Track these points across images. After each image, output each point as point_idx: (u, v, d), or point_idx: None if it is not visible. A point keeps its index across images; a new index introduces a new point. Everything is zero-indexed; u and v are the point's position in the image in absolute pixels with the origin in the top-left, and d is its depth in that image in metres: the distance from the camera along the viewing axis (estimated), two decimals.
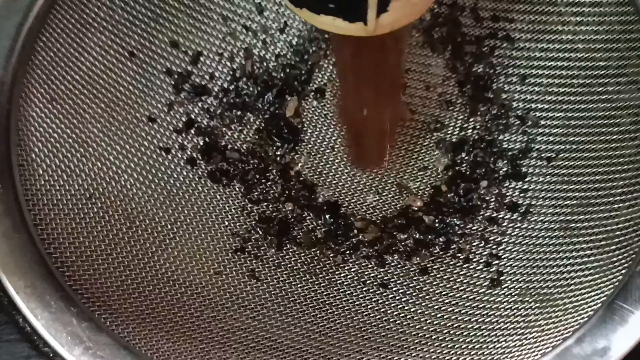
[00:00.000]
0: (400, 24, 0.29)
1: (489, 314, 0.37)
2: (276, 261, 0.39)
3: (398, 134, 0.41)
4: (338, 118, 0.40)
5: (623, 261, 0.34)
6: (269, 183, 0.41)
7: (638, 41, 0.38)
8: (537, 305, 0.36)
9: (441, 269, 0.38)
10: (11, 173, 0.36)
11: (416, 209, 0.40)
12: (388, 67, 0.34)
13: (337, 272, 0.39)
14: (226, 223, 0.39)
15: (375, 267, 0.39)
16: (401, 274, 0.39)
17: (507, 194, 0.40)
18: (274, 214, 0.40)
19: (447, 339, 0.36)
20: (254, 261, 0.39)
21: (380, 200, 0.41)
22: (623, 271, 0.34)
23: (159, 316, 0.35)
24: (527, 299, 0.36)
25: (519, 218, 0.39)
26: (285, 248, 0.39)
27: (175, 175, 0.40)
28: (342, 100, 0.40)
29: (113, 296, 0.35)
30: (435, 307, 0.37)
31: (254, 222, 0.40)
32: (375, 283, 0.38)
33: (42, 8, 0.38)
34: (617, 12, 0.39)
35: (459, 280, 0.38)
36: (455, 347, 0.35)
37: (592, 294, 0.34)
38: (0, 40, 0.38)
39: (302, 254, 0.39)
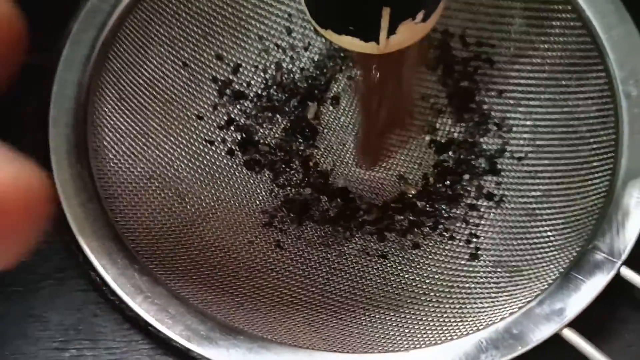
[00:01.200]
0: (406, 44, 0.30)
1: (468, 281, 0.37)
2: (297, 234, 0.39)
3: (398, 135, 0.42)
4: (357, 117, 0.41)
5: (578, 241, 0.36)
6: (292, 172, 0.41)
7: (593, 65, 0.39)
8: (507, 275, 0.37)
9: (430, 244, 0.39)
10: (87, 156, 0.37)
11: (411, 195, 0.40)
12: (398, 78, 0.35)
13: (345, 245, 0.39)
14: (257, 202, 0.40)
15: (376, 242, 0.39)
16: (397, 248, 0.39)
17: (485, 185, 0.40)
18: (296, 196, 0.41)
19: (434, 300, 0.37)
20: (279, 234, 0.39)
21: (382, 188, 0.41)
22: (578, 249, 0.35)
23: (203, 274, 0.36)
24: (499, 269, 0.37)
25: (494, 205, 0.39)
26: (304, 224, 0.40)
27: (217, 163, 0.41)
28: (360, 105, 0.40)
29: (167, 257, 0.36)
30: (425, 274, 0.38)
31: (279, 203, 0.40)
32: (376, 254, 0.39)
33: (115, 23, 0.39)
34: (577, 41, 0.39)
35: (444, 254, 0.38)
36: (441, 306, 0.36)
37: (552, 266, 0.35)
38: (80, 49, 0.39)
39: (318, 229, 0.40)
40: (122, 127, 0.39)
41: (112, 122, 0.38)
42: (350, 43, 0.30)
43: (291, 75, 0.43)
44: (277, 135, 0.42)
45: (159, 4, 0.41)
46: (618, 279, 0.33)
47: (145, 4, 0.40)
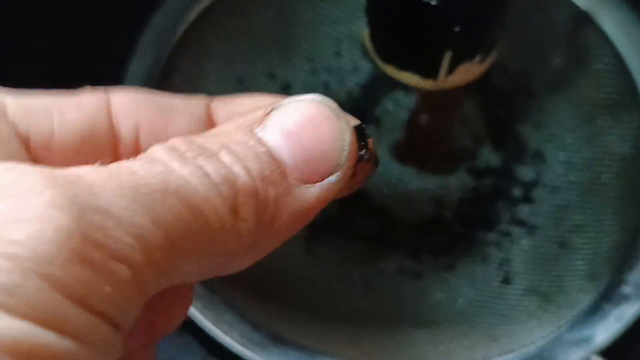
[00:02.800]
0: (462, 82, 0.33)
1: (500, 304, 0.40)
2: (337, 251, 0.42)
3: (439, 159, 0.44)
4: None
5: (606, 273, 0.38)
6: None
7: (628, 106, 0.41)
8: (538, 301, 0.39)
9: (464, 266, 0.42)
10: None
11: (447, 218, 0.43)
12: (445, 108, 0.38)
13: (382, 262, 0.42)
14: None
15: (412, 261, 0.42)
16: (432, 268, 0.42)
17: (519, 213, 0.43)
18: (337, 213, 0.43)
19: (467, 320, 0.39)
20: (320, 247, 0.42)
21: (419, 209, 0.44)
22: (607, 279, 0.38)
23: (253, 287, 0.39)
24: (530, 295, 0.40)
25: (527, 233, 0.42)
26: (344, 241, 0.42)
27: None
28: (406, 131, 0.43)
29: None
30: (458, 295, 0.41)
31: (321, 219, 0.43)
32: (411, 273, 0.42)
33: (177, 40, 0.42)
34: (614, 82, 0.42)
35: (477, 276, 0.41)
36: (474, 327, 0.39)
37: (581, 295, 0.38)
38: (144, 63, 0.41)
39: (357, 246, 0.42)
40: None
41: None
42: (409, 79, 0.33)
43: (338, 96, 0.46)
44: None
45: (217, 23, 0.43)
46: None
47: (204, 23, 0.43)
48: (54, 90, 0.18)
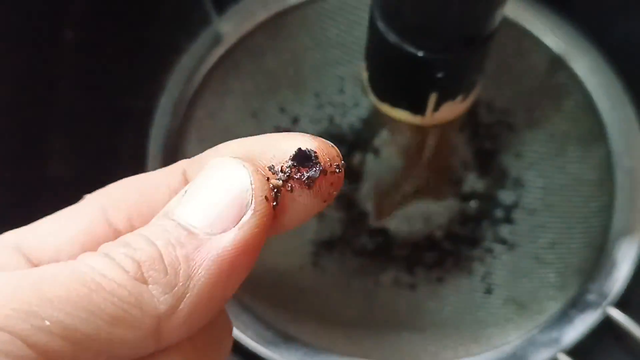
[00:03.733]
0: (446, 118, 0.39)
1: (482, 311, 0.46)
2: (339, 263, 0.48)
3: (431, 185, 0.50)
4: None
5: (574, 283, 0.44)
6: (338, 210, 0.50)
7: (596, 138, 0.47)
8: (514, 308, 0.45)
9: (452, 278, 0.47)
10: None
11: (438, 236, 0.49)
12: (434, 141, 0.44)
13: (380, 275, 0.48)
14: (307, 235, 0.48)
15: (406, 274, 0.48)
16: (424, 280, 0.47)
17: (500, 232, 0.48)
18: (340, 231, 0.49)
19: (453, 325, 0.45)
20: (325, 261, 0.48)
21: (414, 229, 0.49)
22: (575, 289, 0.43)
23: (264, 291, 0.45)
24: (509, 304, 0.46)
25: (507, 249, 0.48)
26: (345, 255, 0.48)
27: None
28: (400, 161, 0.49)
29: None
30: (447, 304, 0.46)
31: (326, 235, 0.49)
32: (406, 284, 0.47)
33: (201, 79, 0.48)
34: (584, 118, 0.48)
35: (463, 287, 0.47)
36: (459, 331, 0.45)
37: (552, 302, 0.44)
38: (172, 98, 0.48)
39: (357, 261, 0.48)
40: None
41: None
42: (401, 115, 0.39)
43: (341, 128, 0.52)
44: None
45: (237, 64, 0.50)
46: (608, 317, 0.42)
47: (225, 64, 0.49)
48: (60, 212, 0.21)
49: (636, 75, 0.47)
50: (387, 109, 0.39)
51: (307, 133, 0.19)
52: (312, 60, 0.51)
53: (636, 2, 0.50)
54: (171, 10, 0.52)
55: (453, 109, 0.37)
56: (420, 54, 0.33)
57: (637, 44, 0.49)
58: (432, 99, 0.36)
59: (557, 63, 0.48)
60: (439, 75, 0.34)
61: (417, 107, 0.37)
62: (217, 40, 0.48)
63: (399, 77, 0.36)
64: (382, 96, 0.38)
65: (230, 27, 0.48)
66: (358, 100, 0.52)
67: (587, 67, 0.48)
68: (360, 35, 0.49)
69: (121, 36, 0.51)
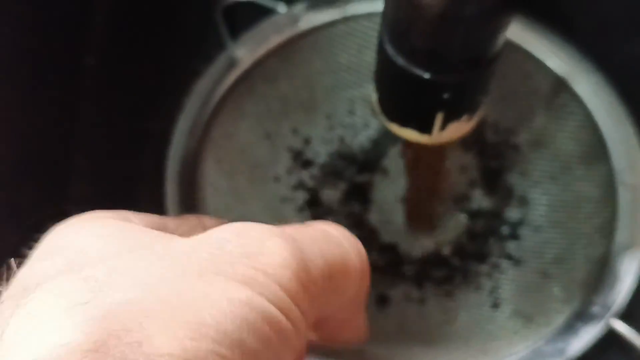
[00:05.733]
0: (452, 137, 0.41)
1: (490, 325, 0.47)
2: None
3: (439, 202, 0.52)
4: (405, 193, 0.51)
5: (579, 296, 0.46)
6: (349, 228, 0.52)
7: (598, 157, 0.49)
8: (521, 321, 0.47)
9: (460, 293, 0.49)
10: (194, 204, 0.48)
11: (446, 253, 0.51)
12: (442, 160, 0.46)
13: (391, 290, 0.50)
14: None
15: (416, 289, 0.50)
16: (434, 295, 0.49)
17: (507, 248, 0.50)
18: None
19: (462, 338, 0.47)
20: None
21: (423, 246, 0.51)
22: (580, 302, 0.45)
23: None
24: (516, 317, 0.47)
25: (513, 265, 0.50)
26: None
27: (290, 217, 0.51)
28: (409, 180, 0.51)
29: None
30: (456, 317, 0.48)
31: None
32: (416, 299, 0.49)
33: (217, 101, 0.51)
34: (586, 137, 0.50)
35: (471, 301, 0.49)
36: (468, 344, 0.46)
37: (558, 315, 0.45)
38: (190, 120, 0.50)
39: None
40: (218, 184, 0.49)
41: (211, 179, 0.49)
42: (409, 134, 0.41)
43: (351, 149, 0.54)
44: (338, 197, 0.53)
45: (252, 87, 0.52)
46: (611, 329, 0.43)
47: (240, 86, 0.52)
48: None
49: (637, 96, 0.49)
50: (395, 128, 0.41)
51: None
52: (324, 83, 0.53)
53: (636, 27, 0.52)
54: (188, 36, 0.54)
55: (459, 128, 0.39)
56: (426, 76, 0.35)
57: (638, 66, 0.51)
58: (439, 118, 0.38)
59: (560, 85, 0.50)
60: (445, 96, 0.36)
61: (425, 127, 0.39)
62: (232, 64, 0.51)
63: (406, 98, 0.38)
64: (391, 116, 0.40)
65: (244, 52, 0.51)
66: (368, 121, 0.55)
67: (589, 88, 0.50)
68: (368, 59, 0.51)
69: (140, 61, 0.54)
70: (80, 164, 0.51)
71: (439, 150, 0.45)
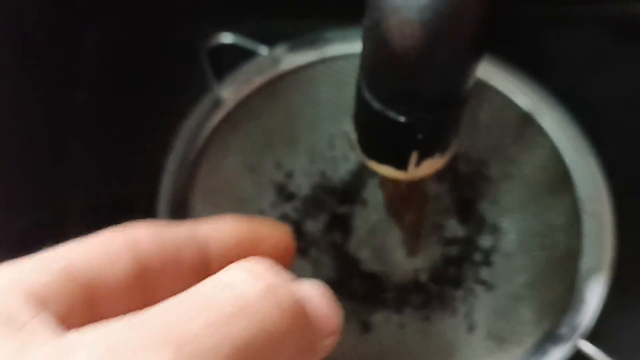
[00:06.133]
0: (427, 172, 0.44)
1: (465, 347, 0.50)
2: None
3: (415, 231, 0.55)
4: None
5: (550, 320, 0.49)
6: (332, 257, 0.55)
7: (564, 186, 0.52)
8: (495, 343, 0.50)
9: (437, 317, 0.52)
10: None
11: (423, 279, 0.54)
12: (416, 194, 0.49)
13: (371, 315, 0.52)
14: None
15: (396, 314, 0.52)
16: (412, 319, 0.52)
17: (480, 274, 0.53)
18: (333, 276, 0.54)
19: None
20: None
21: (402, 273, 0.54)
22: (549, 324, 0.48)
23: None
24: (489, 339, 0.50)
25: (487, 290, 0.52)
26: (339, 297, 0.53)
27: None
28: (387, 211, 0.54)
29: None
30: (434, 341, 0.51)
31: (320, 280, 0.53)
32: (395, 323, 0.52)
33: (204, 138, 0.53)
34: (552, 168, 0.53)
35: (448, 325, 0.51)
36: None
37: (529, 337, 0.48)
38: (179, 157, 0.53)
39: (350, 302, 0.53)
40: (208, 213, 0.52)
41: (199, 214, 0.52)
42: (386, 170, 0.44)
43: (332, 181, 0.57)
44: (319, 228, 0.56)
45: (235, 124, 0.55)
46: (579, 349, 0.46)
47: (225, 124, 0.54)
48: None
49: (598, 129, 0.52)
50: (373, 165, 0.43)
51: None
52: (305, 119, 0.56)
53: (596, 65, 0.56)
54: (174, 78, 0.57)
55: (433, 164, 0.42)
56: (401, 119, 0.38)
57: (599, 102, 0.55)
58: (414, 156, 0.41)
59: (527, 119, 0.53)
60: (420, 136, 0.39)
61: (401, 164, 0.42)
62: (217, 103, 0.53)
63: (383, 138, 0.41)
64: (369, 153, 0.43)
65: (229, 92, 0.53)
66: (347, 155, 0.57)
67: (554, 122, 0.53)
68: (346, 96, 0.54)
69: (129, 100, 0.56)
70: (72, 198, 0.53)
71: (415, 184, 0.48)
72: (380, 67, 0.38)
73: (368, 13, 0.35)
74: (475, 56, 0.36)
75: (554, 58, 0.56)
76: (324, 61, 0.56)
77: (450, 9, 0.32)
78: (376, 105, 0.39)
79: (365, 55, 0.38)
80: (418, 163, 0.42)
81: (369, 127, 0.42)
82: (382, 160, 0.43)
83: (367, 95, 0.39)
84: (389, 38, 0.34)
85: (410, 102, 0.38)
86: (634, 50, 0.59)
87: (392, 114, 0.39)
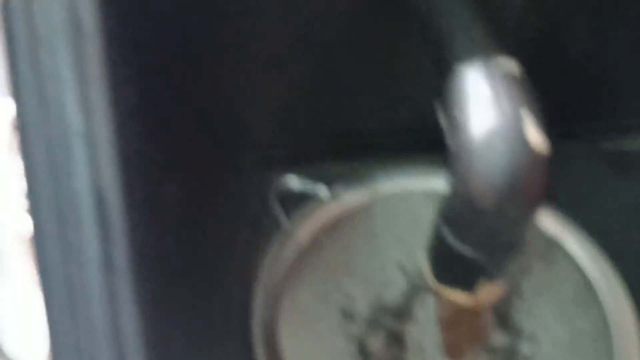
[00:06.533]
0: (490, 300, 0.53)
1: None
2: None
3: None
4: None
5: None
6: None
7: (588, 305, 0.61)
8: None
9: None
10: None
11: None
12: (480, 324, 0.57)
13: None
14: None
15: None
16: None
17: None
18: None
19: None
20: None
21: None
22: None
23: None
24: None
25: None
26: None
27: None
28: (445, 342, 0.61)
29: None
30: None
31: None
32: None
33: (284, 275, 0.62)
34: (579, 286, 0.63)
35: None
36: None
37: None
38: (262, 290, 0.61)
39: None
40: (294, 345, 0.60)
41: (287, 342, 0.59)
42: (454, 296, 0.52)
43: (390, 302, 0.65)
44: (382, 343, 0.63)
45: (307, 259, 0.63)
46: None
47: (298, 262, 0.63)
48: None
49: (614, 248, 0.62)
50: (441, 289, 0.52)
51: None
52: (367, 250, 0.65)
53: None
54: (248, 215, 0.66)
55: (495, 292, 0.51)
56: (468, 253, 0.47)
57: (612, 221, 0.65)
58: (480, 285, 0.50)
59: (552, 242, 0.63)
60: (487, 270, 0.48)
61: (467, 288, 0.51)
62: (287, 239, 0.62)
63: (456, 267, 0.50)
64: (441, 279, 0.52)
65: (297, 228, 0.63)
66: (403, 280, 0.66)
67: (576, 245, 0.63)
68: (399, 228, 0.63)
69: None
70: None
71: (475, 309, 0.56)
72: (459, 215, 0.47)
73: (452, 170, 0.45)
74: (538, 210, 0.46)
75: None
76: (374, 199, 0.66)
77: (523, 180, 0.42)
78: (455, 243, 0.48)
79: (448, 204, 0.48)
80: (481, 291, 0.51)
81: (443, 257, 0.51)
82: (452, 286, 0.52)
83: (446, 233, 0.49)
84: (471, 196, 0.44)
85: (484, 244, 0.48)
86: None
87: (465, 250, 0.48)
